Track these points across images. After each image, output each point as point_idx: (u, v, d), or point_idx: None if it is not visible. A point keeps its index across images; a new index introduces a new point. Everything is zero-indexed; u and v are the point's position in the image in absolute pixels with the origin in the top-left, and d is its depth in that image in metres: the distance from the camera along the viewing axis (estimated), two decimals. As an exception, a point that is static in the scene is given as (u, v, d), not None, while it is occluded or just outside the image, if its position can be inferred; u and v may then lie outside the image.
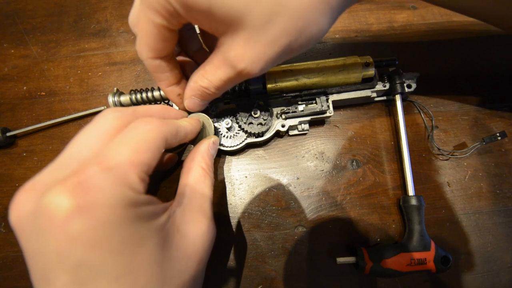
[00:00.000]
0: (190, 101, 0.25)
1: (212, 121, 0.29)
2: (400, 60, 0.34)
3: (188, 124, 0.25)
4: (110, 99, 0.31)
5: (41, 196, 0.15)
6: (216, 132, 0.31)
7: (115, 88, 0.32)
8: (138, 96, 0.31)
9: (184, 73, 0.26)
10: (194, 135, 0.26)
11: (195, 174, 0.23)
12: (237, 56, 0.19)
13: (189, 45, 0.27)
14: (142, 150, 0.18)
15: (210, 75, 0.21)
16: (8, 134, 0.34)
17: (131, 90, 0.32)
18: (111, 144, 0.18)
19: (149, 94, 0.31)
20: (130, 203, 0.16)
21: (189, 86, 0.24)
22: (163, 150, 0.20)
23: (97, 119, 0.20)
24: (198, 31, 0.29)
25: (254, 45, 0.18)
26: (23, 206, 0.16)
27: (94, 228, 0.15)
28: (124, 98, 0.31)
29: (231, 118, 0.32)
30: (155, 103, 0.32)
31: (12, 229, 0.17)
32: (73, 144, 0.19)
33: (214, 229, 0.22)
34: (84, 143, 0.19)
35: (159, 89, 0.31)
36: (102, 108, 0.36)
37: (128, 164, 0.17)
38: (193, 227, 0.21)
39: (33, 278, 0.17)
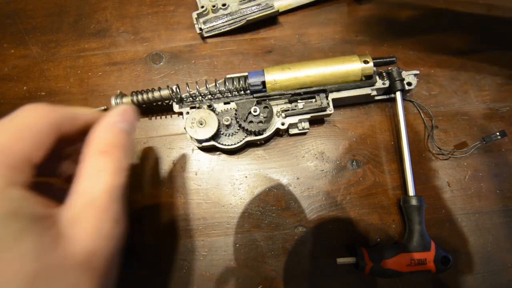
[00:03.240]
0: None
1: None
2: (400, 59, 0.34)
3: (90, 113, 0.21)
4: (113, 101, 0.32)
5: None
6: (219, 124, 0.31)
7: (118, 91, 0.32)
8: (139, 97, 0.32)
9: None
10: (94, 123, 0.21)
11: (90, 165, 0.18)
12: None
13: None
14: (23, 137, 0.17)
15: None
16: (8, 134, 0.34)
17: (132, 92, 0.32)
18: None
19: (150, 95, 0.32)
20: None
21: None
22: (58, 137, 0.19)
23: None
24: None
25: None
26: None
27: None
28: (126, 100, 0.32)
29: (230, 115, 0.32)
30: (156, 103, 0.33)
31: None
32: None
33: (116, 228, 0.18)
34: None
35: (159, 90, 0.31)
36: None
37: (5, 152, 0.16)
38: (83, 231, 0.17)
39: None
